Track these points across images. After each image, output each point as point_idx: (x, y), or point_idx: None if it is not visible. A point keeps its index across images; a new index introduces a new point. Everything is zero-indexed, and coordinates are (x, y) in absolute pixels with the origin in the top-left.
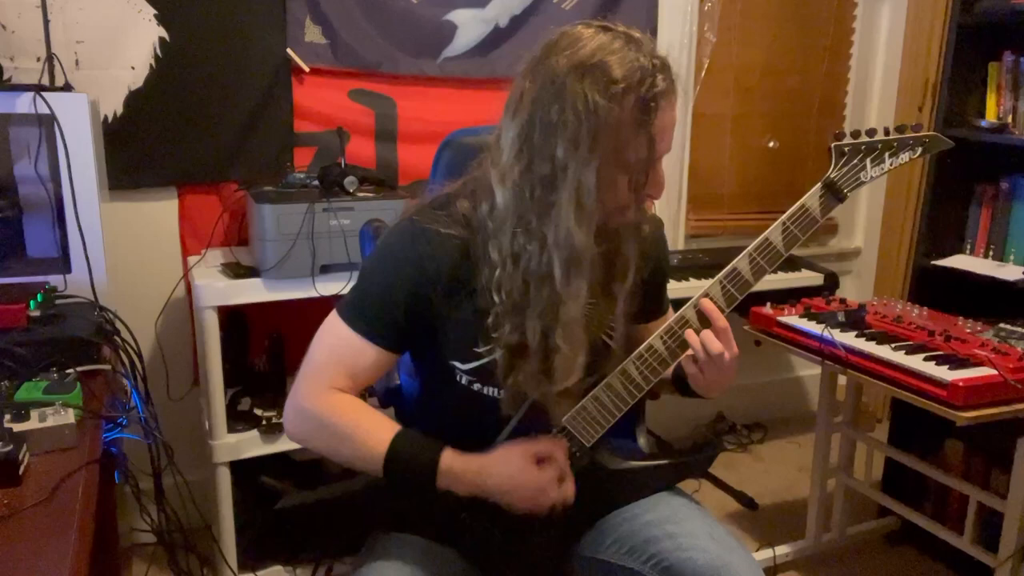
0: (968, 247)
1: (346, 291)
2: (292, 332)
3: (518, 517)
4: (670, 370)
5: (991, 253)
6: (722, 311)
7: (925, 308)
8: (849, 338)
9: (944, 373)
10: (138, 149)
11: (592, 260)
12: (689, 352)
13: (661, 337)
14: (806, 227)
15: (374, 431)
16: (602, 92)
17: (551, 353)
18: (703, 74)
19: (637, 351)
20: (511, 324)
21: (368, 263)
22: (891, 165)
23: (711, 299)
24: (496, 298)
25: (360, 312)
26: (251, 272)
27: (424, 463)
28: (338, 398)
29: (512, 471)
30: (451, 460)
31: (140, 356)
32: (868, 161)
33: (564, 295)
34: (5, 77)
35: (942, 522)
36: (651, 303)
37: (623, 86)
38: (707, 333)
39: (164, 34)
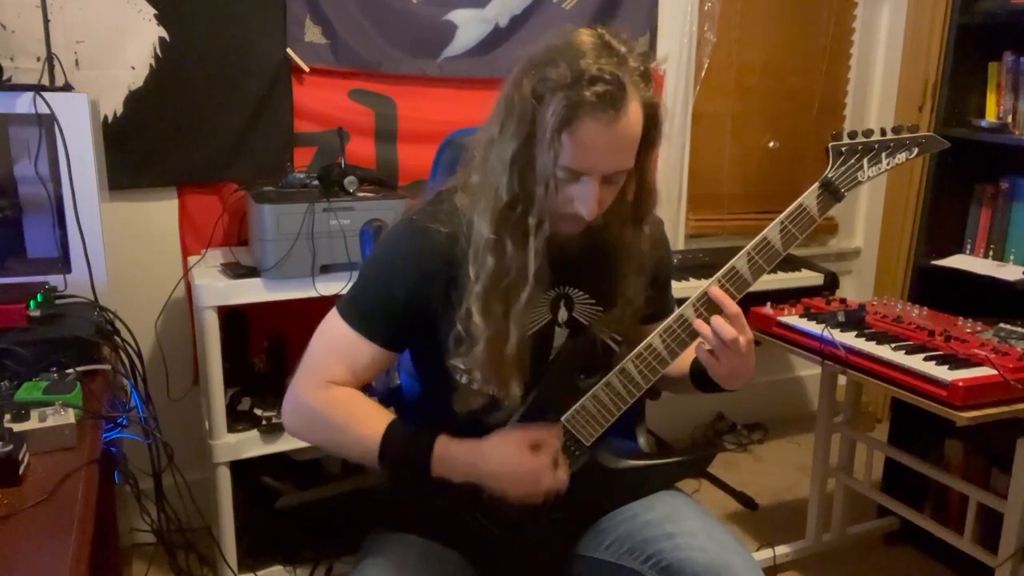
0: (968, 247)
1: (346, 291)
2: (292, 332)
3: (517, 515)
4: (687, 365)
5: (991, 253)
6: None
7: (925, 308)
8: (849, 338)
9: (944, 373)
10: (138, 149)
11: (500, 253)
12: (700, 342)
13: (660, 335)
14: (804, 226)
15: (369, 420)
16: (532, 86)
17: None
18: (703, 74)
19: (636, 350)
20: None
21: (368, 261)
22: (888, 165)
23: (686, 320)
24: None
25: (358, 310)
26: (251, 272)
27: (419, 450)
28: (335, 390)
29: (507, 457)
30: (446, 446)
31: (140, 356)
32: (865, 161)
33: (474, 275)
34: (5, 77)
35: (942, 522)
36: (656, 304)
37: (551, 85)
38: (718, 319)
39: (164, 34)
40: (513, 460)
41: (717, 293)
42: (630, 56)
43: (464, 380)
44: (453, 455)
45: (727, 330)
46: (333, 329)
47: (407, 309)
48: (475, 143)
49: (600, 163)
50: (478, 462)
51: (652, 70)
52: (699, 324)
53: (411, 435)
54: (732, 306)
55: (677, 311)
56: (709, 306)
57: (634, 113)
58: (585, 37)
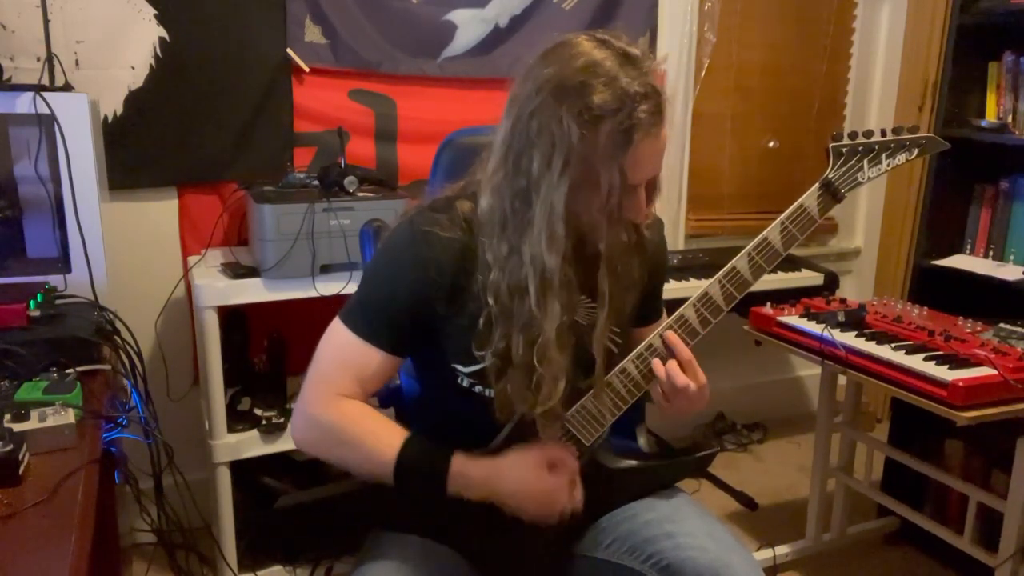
0: (968, 247)
1: (346, 291)
2: (292, 332)
3: (517, 516)
4: None
5: (991, 253)
6: (708, 322)
7: (925, 308)
8: (849, 338)
9: (944, 373)
10: (138, 149)
11: (567, 280)
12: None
13: (661, 336)
14: (804, 226)
15: (383, 437)
16: (576, 117)
17: (533, 369)
18: (703, 74)
19: (636, 350)
20: (500, 331)
21: (369, 268)
22: (888, 166)
23: (686, 320)
24: (490, 299)
25: (363, 317)
26: (251, 272)
27: (435, 469)
28: (346, 405)
29: (525, 476)
30: (462, 465)
31: (140, 356)
32: (865, 162)
33: (538, 314)
34: (5, 77)
35: (942, 522)
36: (648, 307)
37: (598, 114)
38: (672, 365)
39: (164, 34)
40: (531, 479)
41: (671, 338)
42: (646, 59)
43: (477, 389)
44: (470, 473)
45: (679, 377)
46: (338, 337)
47: (411, 314)
48: (487, 165)
49: (651, 172)
50: (495, 480)
51: (658, 67)
52: (656, 365)
53: (427, 453)
54: (684, 352)
55: (678, 312)
56: (687, 330)
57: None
58: (599, 51)
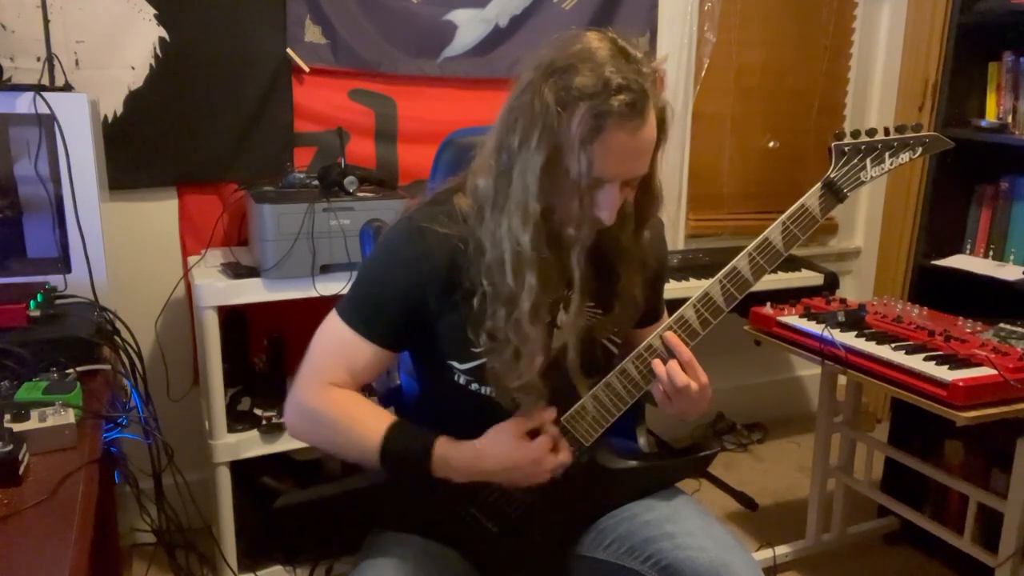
0: (968, 247)
1: (346, 291)
2: (292, 332)
3: (516, 515)
4: None
5: (991, 253)
6: (709, 323)
7: (925, 308)
8: (849, 338)
9: (944, 373)
10: (138, 149)
11: (543, 263)
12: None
13: (661, 337)
14: (806, 227)
15: (369, 422)
16: (556, 95)
17: (511, 343)
18: (703, 74)
19: (636, 350)
20: (491, 309)
21: (367, 262)
22: (891, 165)
23: (686, 320)
24: (484, 280)
25: (358, 311)
26: (251, 272)
27: (418, 451)
28: (334, 392)
29: (506, 450)
30: (445, 448)
31: (140, 356)
32: (868, 161)
33: (515, 287)
34: (5, 77)
35: (942, 522)
36: (648, 307)
37: (575, 95)
38: (673, 365)
39: (164, 34)
40: (513, 453)
41: (671, 339)
42: (644, 60)
43: (473, 387)
44: (452, 456)
45: (679, 377)
46: (333, 330)
47: (405, 309)
48: (484, 148)
49: (625, 170)
50: (478, 461)
51: (660, 72)
52: (657, 365)
53: (412, 437)
54: (685, 352)
55: (678, 312)
56: (687, 330)
57: (653, 118)
58: (598, 43)
